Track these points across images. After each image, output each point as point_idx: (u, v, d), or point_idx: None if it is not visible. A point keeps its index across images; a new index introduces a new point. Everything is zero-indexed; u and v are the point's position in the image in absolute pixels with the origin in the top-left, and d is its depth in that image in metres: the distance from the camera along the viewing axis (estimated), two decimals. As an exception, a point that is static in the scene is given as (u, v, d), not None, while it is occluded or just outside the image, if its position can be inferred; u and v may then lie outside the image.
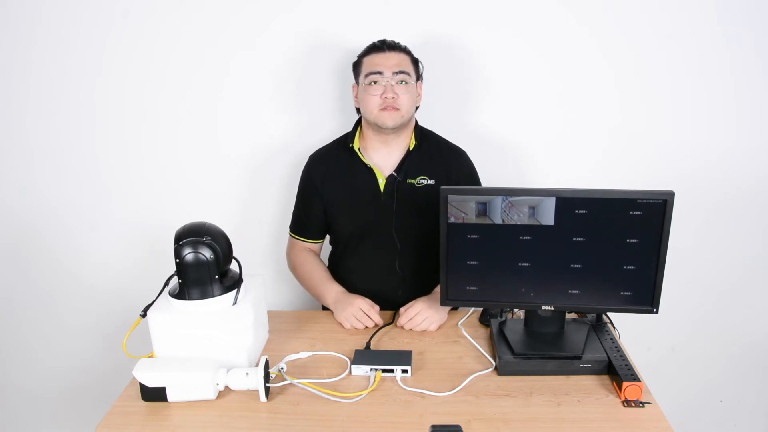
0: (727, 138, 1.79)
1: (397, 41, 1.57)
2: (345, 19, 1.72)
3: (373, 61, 1.54)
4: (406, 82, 1.53)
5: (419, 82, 1.61)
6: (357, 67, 1.60)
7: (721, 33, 1.69)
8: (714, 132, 1.79)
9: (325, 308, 1.81)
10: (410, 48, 1.60)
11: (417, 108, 1.62)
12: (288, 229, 1.75)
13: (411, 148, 1.59)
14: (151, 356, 1.27)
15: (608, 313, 1.45)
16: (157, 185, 1.89)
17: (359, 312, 1.50)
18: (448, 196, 1.25)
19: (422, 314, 1.48)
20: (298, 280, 1.72)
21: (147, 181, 1.89)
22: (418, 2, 1.70)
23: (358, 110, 1.62)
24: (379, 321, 1.50)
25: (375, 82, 1.52)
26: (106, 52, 1.77)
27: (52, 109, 1.83)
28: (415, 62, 1.59)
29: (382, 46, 1.55)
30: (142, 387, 1.19)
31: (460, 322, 1.51)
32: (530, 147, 1.83)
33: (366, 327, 1.50)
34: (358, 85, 1.59)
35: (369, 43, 1.58)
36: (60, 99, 1.81)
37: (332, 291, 1.59)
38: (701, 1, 1.67)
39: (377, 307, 1.52)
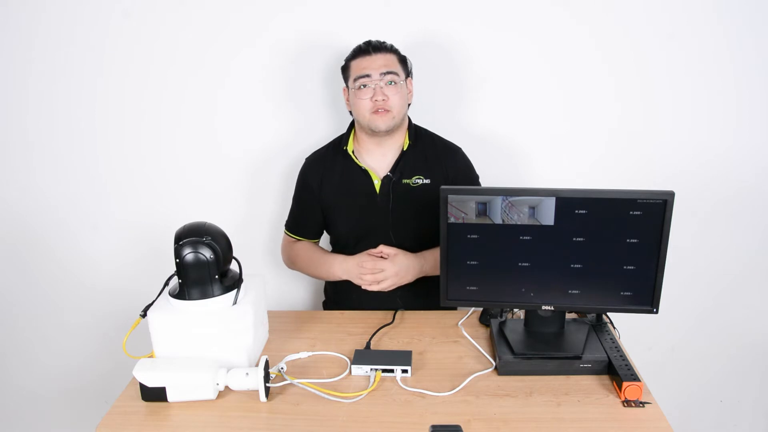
0: (726, 138, 1.79)
1: (382, 41, 1.56)
2: (343, 19, 1.72)
3: (360, 65, 1.53)
4: (395, 83, 1.52)
5: (409, 78, 1.60)
6: (345, 71, 1.59)
7: (721, 33, 1.69)
8: (714, 132, 1.79)
9: (325, 307, 1.81)
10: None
11: (409, 105, 1.62)
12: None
13: (405, 148, 1.59)
14: (151, 356, 1.27)
15: (608, 313, 1.45)
16: (157, 185, 1.89)
17: (361, 268, 1.53)
18: (448, 196, 1.25)
19: (388, 273, 1.52)
20: (300, 270, 1.71)
21: (147, 181, 1.89)
22: (418, 1, 1.70)
23: (350, 113, 1.62)
24: (376, 266, 1.52)
25: (364, 86, 1.51)
26: (106, 52, 1.77)
27: (52, 110, 1.83)
28: (403, 60, 1.58)
29: (367, 48, 1.54)
30: (142, 387, 1.19)
31: (460, 322, 1.51)
32: (529, 147, 1.83)
33: (375, 277, 1.52)
34: (348, 89, 1.58)
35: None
36: (60, 99, 1.81)
37: (336, 262, 1.60)
38: (701, 1, 1.67)
39: (378, 250, 1.55)
